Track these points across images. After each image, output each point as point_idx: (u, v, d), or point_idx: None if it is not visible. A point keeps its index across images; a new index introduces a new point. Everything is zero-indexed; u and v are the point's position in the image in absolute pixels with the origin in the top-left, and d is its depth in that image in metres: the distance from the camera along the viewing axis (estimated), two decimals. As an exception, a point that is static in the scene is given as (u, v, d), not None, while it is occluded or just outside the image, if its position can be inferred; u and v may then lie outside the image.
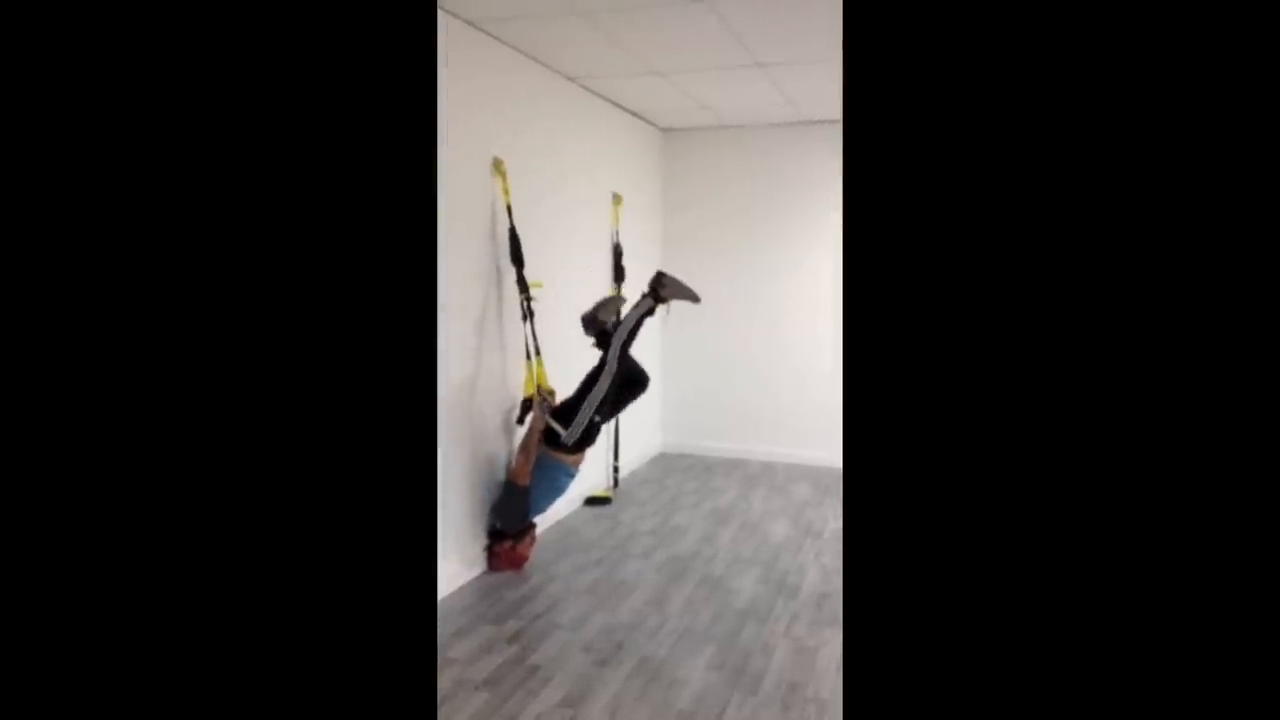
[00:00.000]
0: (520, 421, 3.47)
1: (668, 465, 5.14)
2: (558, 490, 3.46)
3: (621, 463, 4.74)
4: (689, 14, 2.96)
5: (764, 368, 5.26)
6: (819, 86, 4.06)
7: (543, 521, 3.64)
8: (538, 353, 3.51)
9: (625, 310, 3.65)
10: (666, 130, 5.30)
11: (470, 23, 3.12)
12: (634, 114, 4.80)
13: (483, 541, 3.33)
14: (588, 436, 3.44)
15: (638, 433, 5.08)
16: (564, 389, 3.58)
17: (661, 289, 3.51)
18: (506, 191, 3.40)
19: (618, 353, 3.44)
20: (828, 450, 5.08)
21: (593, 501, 4.24)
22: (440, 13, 2.91)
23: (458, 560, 3.15)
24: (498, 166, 3.36)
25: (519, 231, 3.43)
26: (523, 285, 3.44)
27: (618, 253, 4.58)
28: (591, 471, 4.27)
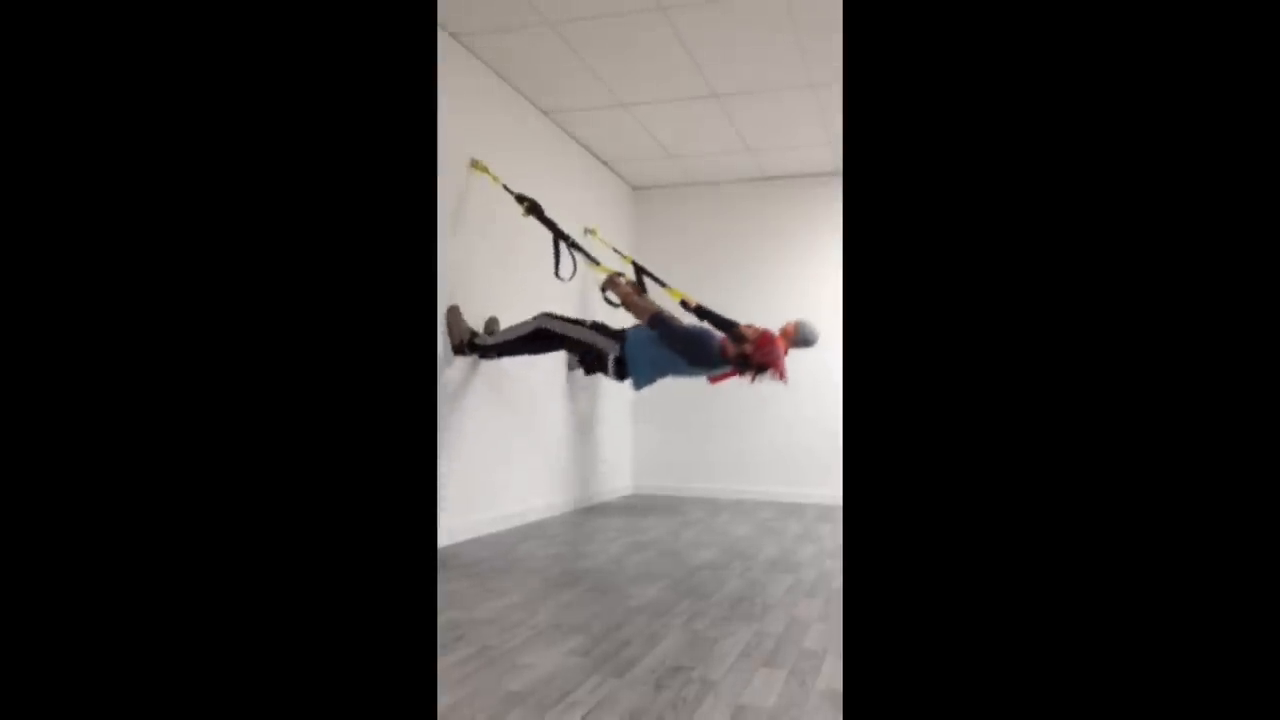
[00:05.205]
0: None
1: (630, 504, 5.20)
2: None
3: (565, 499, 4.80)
4: (643, 23, 3.38)
5: (731, 417, 5.43)
6: (773, 128, 4.49)
7: (474, 532, 3.66)
8: None
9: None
10: (637, 189, 5.72)
11: (454, 35, 3.54)
12: (606, 164, 5.21)
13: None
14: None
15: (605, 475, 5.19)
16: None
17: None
18: (496, 178, 3.69)
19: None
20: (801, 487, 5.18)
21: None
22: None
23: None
24: (477, 164, 3.68)
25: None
26: (566, 238, 3.65)
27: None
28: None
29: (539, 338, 3.53)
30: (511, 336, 3.53)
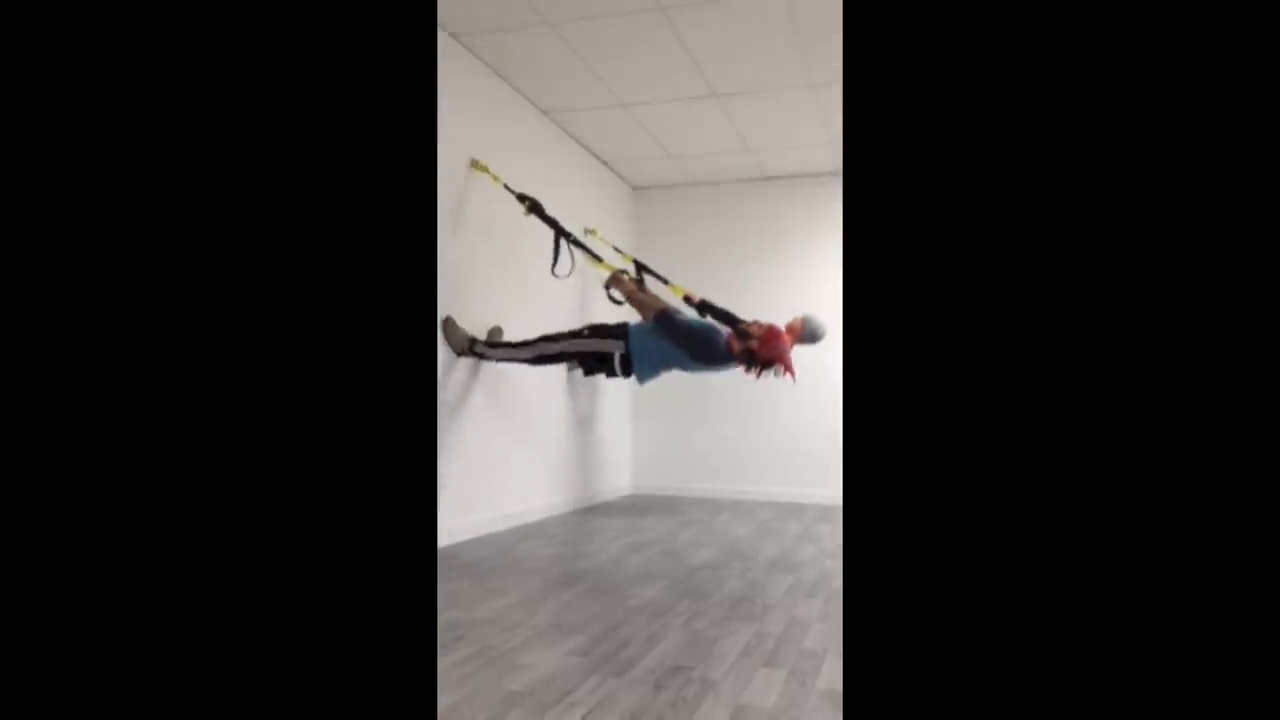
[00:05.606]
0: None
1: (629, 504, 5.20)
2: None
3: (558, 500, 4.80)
4: (643, 23, 3.38)
5: (731, 417, 5.43)
6: (773, 128, 4.49)
7: (470, 533, 3.66)
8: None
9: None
10: (637, 189, 5.72)
11: (454, 35, 3.54)
12: (606, 164, 5.21)
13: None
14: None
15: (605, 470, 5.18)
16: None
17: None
18: (496, 178, 3.69)
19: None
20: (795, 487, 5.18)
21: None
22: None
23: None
24: (477, 164, 3.68)
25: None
26: (567, 236, 3.67)
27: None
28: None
29: (539, 361, 3.54)
30: (510, 357, 3.55)
